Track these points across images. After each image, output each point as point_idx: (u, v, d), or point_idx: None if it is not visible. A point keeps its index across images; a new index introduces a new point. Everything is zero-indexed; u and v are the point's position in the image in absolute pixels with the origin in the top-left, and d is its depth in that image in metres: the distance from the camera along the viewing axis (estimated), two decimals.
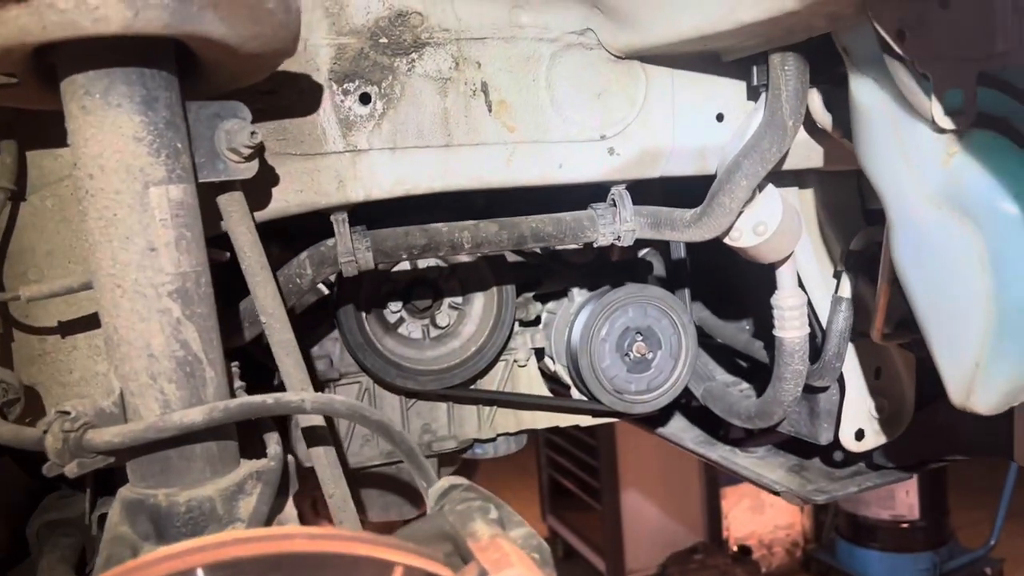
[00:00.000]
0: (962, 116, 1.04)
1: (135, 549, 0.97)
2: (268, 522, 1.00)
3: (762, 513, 7.19)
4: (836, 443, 1.86)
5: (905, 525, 6.12)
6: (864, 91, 1.17)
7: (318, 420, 1.23)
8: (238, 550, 0.72)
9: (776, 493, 1.95)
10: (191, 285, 1.00)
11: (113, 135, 0.95)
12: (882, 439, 1.76)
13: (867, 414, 1.75)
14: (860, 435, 1.74)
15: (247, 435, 1.10)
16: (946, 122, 1.05)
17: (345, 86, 1.30)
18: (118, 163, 0.96)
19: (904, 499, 6.07)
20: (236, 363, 1.13)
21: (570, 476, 6.66)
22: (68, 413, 0.93)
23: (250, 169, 1.12)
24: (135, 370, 0.97)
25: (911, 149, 1.11)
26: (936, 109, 1.04)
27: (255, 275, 1.17)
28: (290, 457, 1.10)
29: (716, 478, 6.79)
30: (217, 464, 1.02)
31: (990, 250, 1.04)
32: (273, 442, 1.07)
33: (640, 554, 6.37)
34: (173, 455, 0.99)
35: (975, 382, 1.11)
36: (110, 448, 0.92)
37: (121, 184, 0.96)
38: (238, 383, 1.12)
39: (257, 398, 0.97)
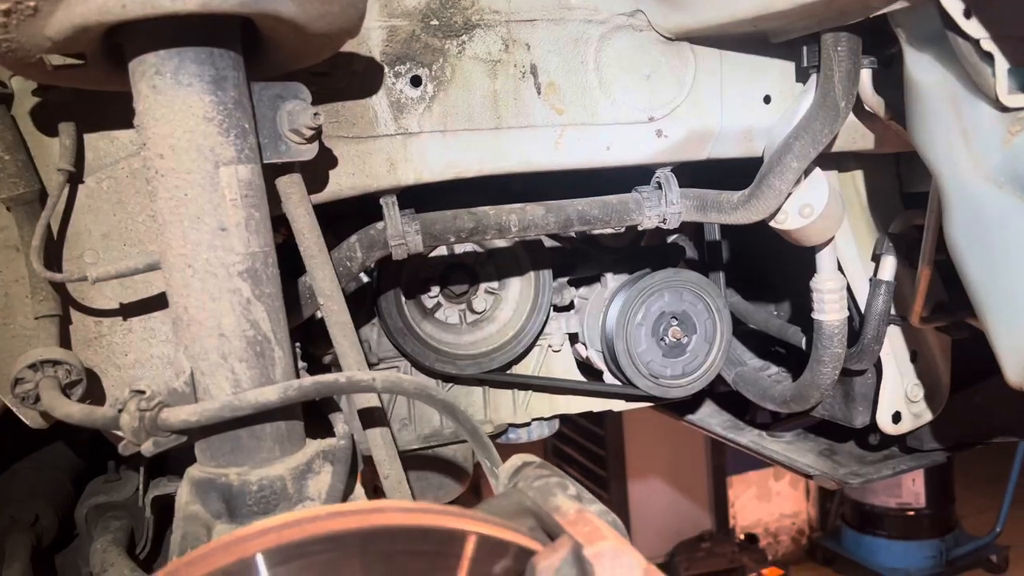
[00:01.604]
0: None
1: (208, 527, 0.97)
2: (343, 500, 1.00)
3: (768, 501, 7.22)
4: (870, 426, 1.87)
5: (911, 513, 6.15)
6: (921, 70, 1.17)
7: (374, 402, 1.23)
8: (335, 524, 0.72)
9: (809, 477, 1.95)
10: (260, 265, 1.00)
11: (184, 114, 0.95)
12: (919, 422, 1.77)
13: (904, 397, 1.76)
14: (897, 418, 1.75)
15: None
16: (1011, 100, 1.05)
17: (396, 68, 1.30)
18: (189, 143, 0.95)
19: (910, 487, 6.10)
20: (298, 343, 1.13)
21: (577, 465, 6.68)
22: (143, 392, 0.93)
23: (311, 150, 1.12)
24: (206, 350, 0.98)
25: (971, 128, 1.11)
26: (1001, 87, 1.05)
27: (313, 257, 1.17)
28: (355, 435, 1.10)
29: (723, 467, 6.82)
30: (286, 443, 1.02)
31: None
32: (340, 421, 1.07)
33: (648, 542, 6.40)
34: (243, 434, 0.99)
35: None
36: (185, 427, 0.93)
37: (192, 164, 0.96)
38: (300, 363, 1.13)
39: (329, 377, 0.97)
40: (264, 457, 1.00)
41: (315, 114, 1.07)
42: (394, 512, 0.76)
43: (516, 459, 0.99)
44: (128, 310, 1.24)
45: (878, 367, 1.76)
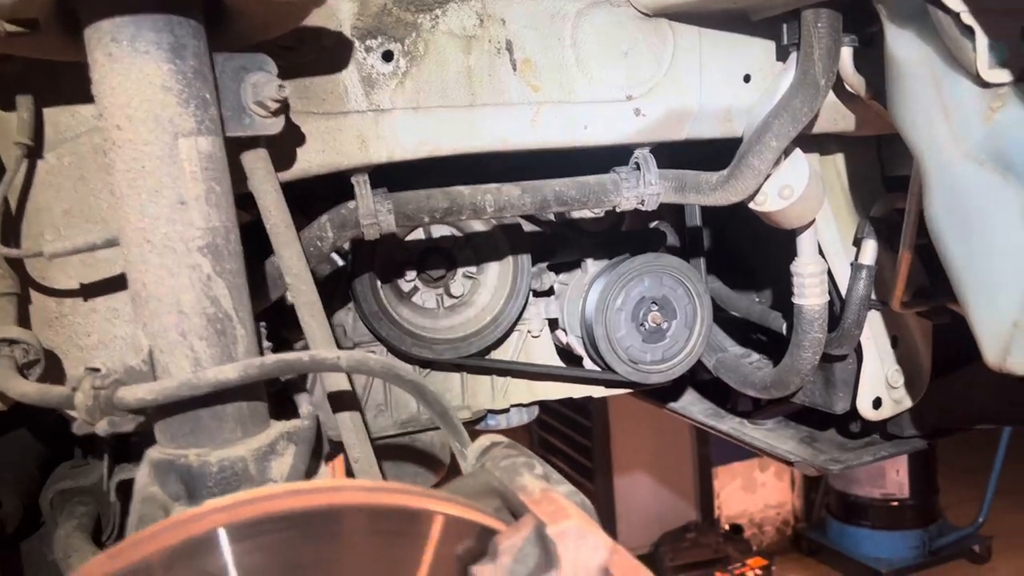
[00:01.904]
0: (1007, 70, 1.03)
1: (166, 509, 0.94)
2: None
3: (753, 492, 7.24)
4: (851, 413, 1.86)
5: (895, 503, 6.17)
6: (901, 46, 1.15)
7: (344, 384, 1.20)
8: (292, 502, 0.70)
9: (789, 463, 1.94)
10: (221, 241, 0.97)
11: (141, 83, 0.92)
12: (899, 408, 1.76)
13: (884, 383, 1.75)
14: (877, 404, 1.74)
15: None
16: (991, 76, 1.03)
17: (367, 43, 1.27)
18: (146, 113, 0.92)
19: (894, 478, 6.13)
20: (263, 323, 1.10)
21: (563, 456, 6.67)
22: (98, 370, 0.90)
23: (276, 124, 1.08)
24: (164, 327, 0.95)
25: (951, 105, 1.09)
26: (981, 62, 1.03)
27: (280, 234, 1.14)
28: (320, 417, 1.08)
29: (708, 457, 6.83)
30: (248, 424, 1.00)
31: None
32: (305, 402, 1.04)
33: (633, 533, 6.40)
34: (204, 415, 0.96)
35: (1013, 342, 1.10)
36: (142, 405, 0.90)
37: (150, 135, 0.93)
38: (265, 343, 1.10)
39: (292, 355, 0.95)
40: (225, 438, 0.97)
41: (280, 86, 1.04)
42: (354, 491, 0.74)
43: (484, 439, 0.97)
44: (90, 290, 1.21)
45: (859, 353, 1.75)
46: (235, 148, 1.11)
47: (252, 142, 1.12)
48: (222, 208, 0.98)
